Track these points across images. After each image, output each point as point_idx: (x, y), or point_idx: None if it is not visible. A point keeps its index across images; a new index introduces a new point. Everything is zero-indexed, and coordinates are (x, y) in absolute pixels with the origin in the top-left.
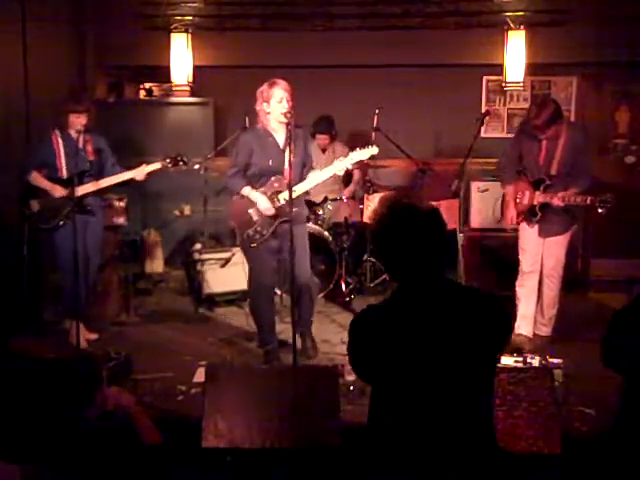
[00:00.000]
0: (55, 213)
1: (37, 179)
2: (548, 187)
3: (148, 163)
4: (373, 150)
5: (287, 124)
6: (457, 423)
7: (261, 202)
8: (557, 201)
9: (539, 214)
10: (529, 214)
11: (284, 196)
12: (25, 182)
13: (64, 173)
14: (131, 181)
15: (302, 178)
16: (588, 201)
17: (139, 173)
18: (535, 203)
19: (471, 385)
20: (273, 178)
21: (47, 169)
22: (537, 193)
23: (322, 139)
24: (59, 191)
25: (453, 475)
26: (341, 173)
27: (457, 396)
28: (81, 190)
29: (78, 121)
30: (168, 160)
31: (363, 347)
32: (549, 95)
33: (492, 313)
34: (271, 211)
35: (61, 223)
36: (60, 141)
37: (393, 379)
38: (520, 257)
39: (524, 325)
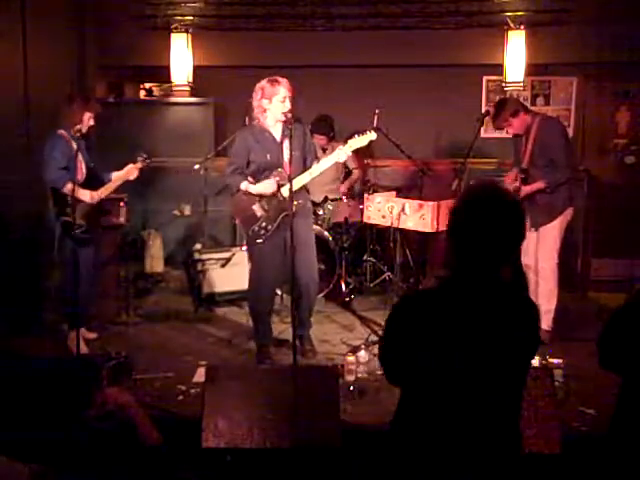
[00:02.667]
0: (93, 220)
1: (71, 188)
2: (522, 180)
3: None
4: (371, 136)
5: (286, 122)
6: (488, 425)
7: (262, 187)
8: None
9: None
10: None
11: (286, 189)
12: (56, 192)
13: (83, 174)
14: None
15: (305, 171)
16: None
17: (132, 172)
18: None
19: (505, 388)
20: (274, 172)
21: (68, 173)
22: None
23: (319, 139)
24: (94, 196)
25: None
26: (342, 160)
27: (489, 399)
28: (103, 193)
29: (89, 121)
30: (142, 157)
31: (402, 332)
32: (509, 96)
33: (531, 318)
34: (273, 187)
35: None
36: (72, 142)
37: (427, 372)
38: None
39: None
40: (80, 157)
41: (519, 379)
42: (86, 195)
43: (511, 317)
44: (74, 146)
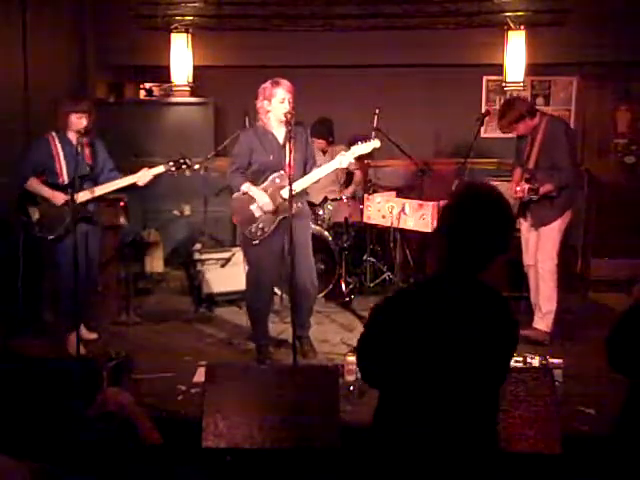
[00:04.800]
0: (56, 222)
1: (36, 185)
2: (528, 180)
3: (149, 165)
4: (375, 143)
5: (287, 123)
6: (463, 423)
7: (260, 198)
8: (519, 194)
9: (517, 207)
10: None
11: (286, 192)
12: (22, 188)
13: (64, 178)
14: (133, 185)
15: (304, 174)
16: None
17: (143, 177)
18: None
19: (480, 388)
20: (275, 174)
21: (46, 174)
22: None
23: (318, 143)
24: (60, 198)
25: (456, 476)
26: (344, 165)
27: (465, 397)
28: (83, 196)
29: (79, 122)
30: (171, 163)
31: (381, 331)
32: (517, 97)
33: (508, 319)
34: (270, 207)
35: (63, 233)
36: (58, 144)
37: (404, 371)
38: (523, 253)
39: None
40: (62, 159)
41: (496, 379)
42: (50, 194)
43: (487, 318)
44: (57, 147)
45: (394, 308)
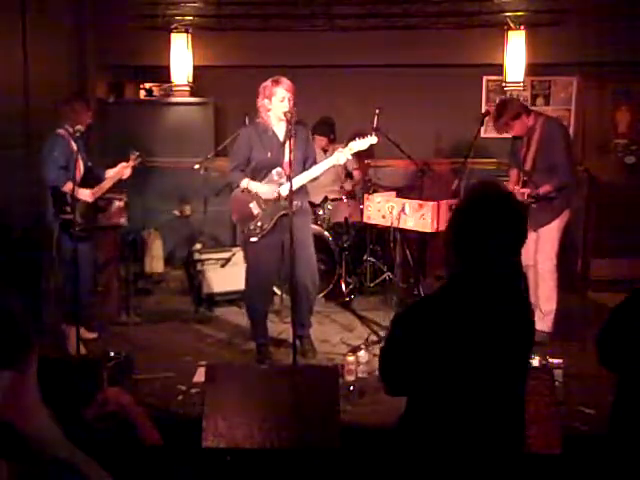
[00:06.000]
0: (89, 219)
1: (72, 186)
2: (525, 182)
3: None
4: (372, 139)
5: (287, 122)
6: (498, 423)
7: (261, 189)
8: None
9: None
10: None
11: (285, 189)
12: (56, 191)
13: (81, 173)
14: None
15: (303, 172)
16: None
17: (125, 172)
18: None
19: (514, 388)
20: (274, 171)
21: (67, 172)
22: (517, 188)
23: (320, 140)
24: (91, 195)
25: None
26: (342, 161)
27: (499, 398)
28: (97, 192)
29: (88, 120)
30: (137, 153)
31: (409, 341)
32: (510, 97)
33: (526, 312)
34: (271, 194)
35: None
36: (72, 141)
37: (438, 378)
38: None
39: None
40: (79, 156)
41: (523, 376)
42: (86, 194)
43: (512, 315)
44: (73, 145)
45: (421, 317)
